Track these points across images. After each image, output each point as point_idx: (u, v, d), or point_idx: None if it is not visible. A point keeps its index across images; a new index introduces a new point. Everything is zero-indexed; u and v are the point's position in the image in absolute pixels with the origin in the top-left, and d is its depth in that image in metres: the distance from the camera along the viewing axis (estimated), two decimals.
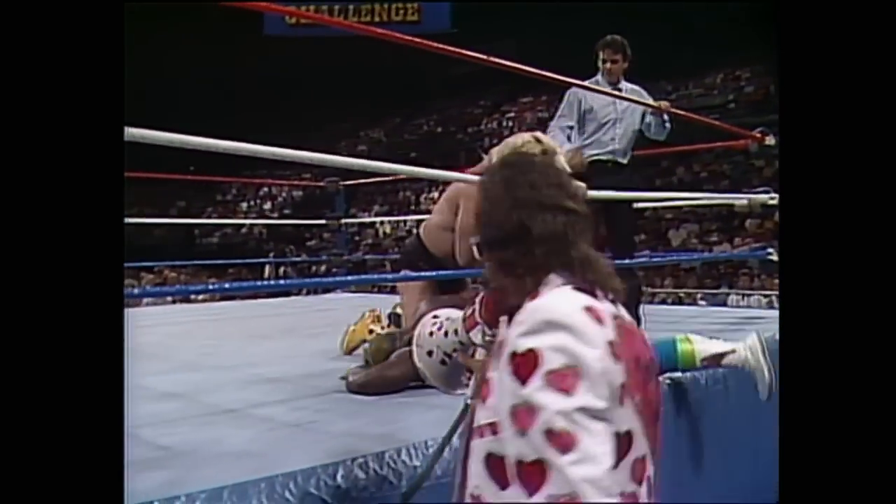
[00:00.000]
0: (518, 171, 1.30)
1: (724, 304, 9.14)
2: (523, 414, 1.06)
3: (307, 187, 22.08)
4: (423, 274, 3.15)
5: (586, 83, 4.06)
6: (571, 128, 4.07)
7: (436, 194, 16.94)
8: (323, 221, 7.08)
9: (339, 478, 1.71)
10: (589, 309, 1.13)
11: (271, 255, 16.59)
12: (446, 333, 1.77)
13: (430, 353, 1.80)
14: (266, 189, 24.50)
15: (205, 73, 23.27)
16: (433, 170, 2.89)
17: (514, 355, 1.11)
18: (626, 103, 4.09)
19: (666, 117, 4.09)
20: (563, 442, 1.03)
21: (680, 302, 8.76)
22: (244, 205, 24.48)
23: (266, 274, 12.08)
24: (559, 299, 1.16)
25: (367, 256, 11.87)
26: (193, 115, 8.27)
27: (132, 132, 1.91)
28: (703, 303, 9.17)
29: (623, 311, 1.21)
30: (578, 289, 1.19)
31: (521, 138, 2.92)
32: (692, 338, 2.79)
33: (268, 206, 24.12)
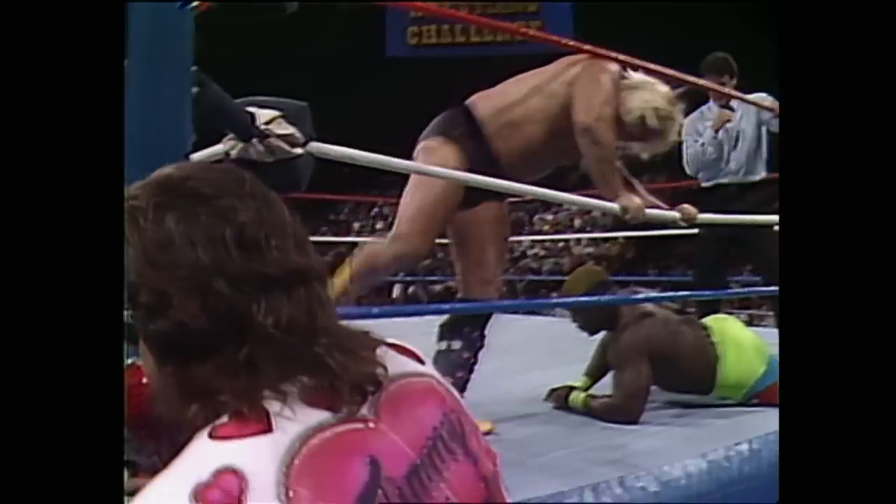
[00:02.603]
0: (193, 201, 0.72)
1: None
2: None
3: None
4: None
5: (697, 112, 3.80)
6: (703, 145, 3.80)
7: (550, 216, 16.76)
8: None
9: None
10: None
11: (401, 273, 16.42)
12: None
13: None
14: (378, 209, 24.94)
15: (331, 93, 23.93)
16: (548, 190, 2.57)
17: None
18: (738, 125, 3.77)
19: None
20: None
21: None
22: (356, 224, 24.99)
23: (394, 294, 12.24)
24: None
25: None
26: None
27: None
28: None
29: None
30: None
31: None
32: None
33: (380, 225, 24.55)
